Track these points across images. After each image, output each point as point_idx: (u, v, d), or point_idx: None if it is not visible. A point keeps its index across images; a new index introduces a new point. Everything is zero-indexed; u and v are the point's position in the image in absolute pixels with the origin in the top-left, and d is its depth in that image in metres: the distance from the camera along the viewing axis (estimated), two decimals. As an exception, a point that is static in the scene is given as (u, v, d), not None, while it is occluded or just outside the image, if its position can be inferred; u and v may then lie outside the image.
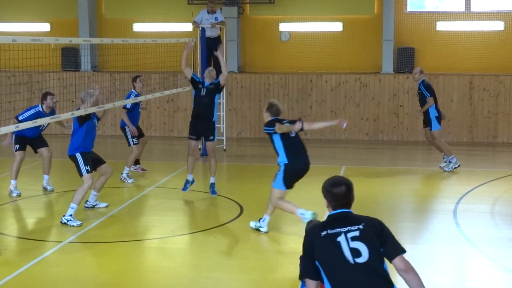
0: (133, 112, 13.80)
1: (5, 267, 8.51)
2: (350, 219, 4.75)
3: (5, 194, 12.66)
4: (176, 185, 13.29)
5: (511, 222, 10.60)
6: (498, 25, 19.38)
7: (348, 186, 4.85)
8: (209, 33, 16.74)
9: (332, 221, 4.78)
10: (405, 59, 19.37)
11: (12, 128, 9.42)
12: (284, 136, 9.46)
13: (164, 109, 20.24)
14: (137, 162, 14.45)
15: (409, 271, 4.65)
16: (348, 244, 4.59)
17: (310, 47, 20.18)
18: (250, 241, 9.67)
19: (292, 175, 9.59)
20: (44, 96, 12.21)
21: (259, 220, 10.03)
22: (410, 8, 19.95)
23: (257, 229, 9.97)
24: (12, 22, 21.22)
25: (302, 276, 4.57)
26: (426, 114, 14.71)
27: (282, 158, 9.56)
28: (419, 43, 19.61)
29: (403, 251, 4.72)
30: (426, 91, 14.50)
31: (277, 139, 9.52)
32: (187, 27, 19.31)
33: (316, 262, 4.61)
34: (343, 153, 17.55)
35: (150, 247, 9.54)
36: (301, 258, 4.73)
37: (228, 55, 19.54)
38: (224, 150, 17.43)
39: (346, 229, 4.67)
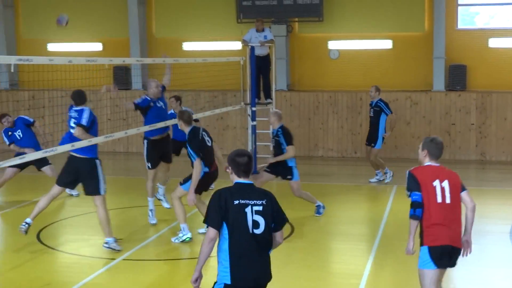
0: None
1: (60, 284, 8.63)
2: (255, 193, 5.71)
3: (61, 210, 12.88)
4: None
5: None
6: (552, 41, 19.03)
7: (250, 157, 5.78)
8: (258, 52, 16.80)
9: (240, 190, 5.68)
10: (456, 76, 19.12)
11: (68, 147, 9.54)
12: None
13: (214, 127, 20.35)
14: None
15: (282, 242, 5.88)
16: (252, 216, 5.58)
17: (359, 64, 20.10)
18: (299, 261, 9.61)
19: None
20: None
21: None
22: (461, 25, 19.72)
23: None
24: (65, 42, 21.68)
25: (207, 223, 5.63)
26: (375, 131, 15.14)
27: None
28: (471, 60, 19.35)
29: (284, 225, 5.82)
30: (387, 108, 15.03)
31: None
32: (237, 45, 19.42)
33: (224, 222, 5.55)
34: (396, 171, 17.34)
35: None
36: (209, 210, 5.62)
37: (277, 73, 19.58)
38: (272, 168, 17.39)
39: (253, 202, 5.62)
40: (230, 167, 5.75)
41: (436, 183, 6.44)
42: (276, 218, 5.69)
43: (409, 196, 6.50)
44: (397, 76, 19.80)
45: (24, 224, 9.95)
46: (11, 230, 11.49)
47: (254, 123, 16.43)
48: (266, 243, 5.65)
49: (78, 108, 9.88)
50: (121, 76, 20.78)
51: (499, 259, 9.72)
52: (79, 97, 9.89)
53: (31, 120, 13.68)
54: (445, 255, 6.48)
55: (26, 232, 9.97)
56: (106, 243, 9.94)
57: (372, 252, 9.90)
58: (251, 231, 5.55)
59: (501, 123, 18.45)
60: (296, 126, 19.70)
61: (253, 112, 16.47)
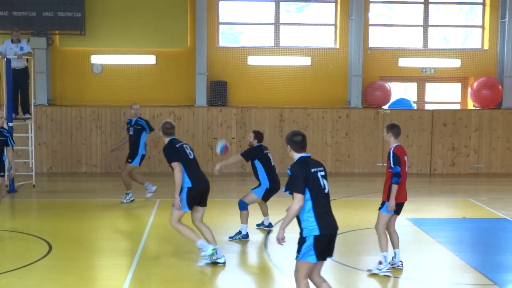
0: None
1: None
2: (316, 162, 7.28)
3: None
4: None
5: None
6: (305, 60, 20.28)
7: (304, 136, 7.29)
8: (14, 64, 16.05)
9: (309, 162, 7.19)
10: (218, 92, 19.69)
11: None
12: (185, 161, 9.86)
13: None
14: None
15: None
16: (322, 179, 7.13)
17: (123, 79, 19.95)
18: (58, 281, 9.24)
19: (195, 197, 9.85)
20: None
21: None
22: (222, 42, 20.38)
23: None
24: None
25: (292, 190, 6.99)
26: (135, 149, 14.72)
27: (185, 181, 9.75)
28: (231, 76, 20.05)
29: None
30: (147, 126, 14.75)
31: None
32: (-8, 58, 18.39)
33: (306, 188, 6.99)
34: (162, 185, 17.38)
35: None
36: (292, 179, 7.03)
37: (37, 87, 18.84)
38: (34, 186, 16.65)
39: (319, 169, 7.18)
40: (289, 146, 7.25)
41: (405, 158, 9.42)
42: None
43: (393, 168, 9.20)
44: (160, 91, 19.94)
45: None
46: None
47: (9, 125, 15.62)
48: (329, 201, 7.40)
49: None
50: None
51: (255, 266, 10.05)
52: None
53: None
54: (401, 207, 9.58)
55: None
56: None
57: (132, 267, 9.79)
58: (326, 191, 7.20)
59: (260, 137, 19.23)
60: (57, 142, 19.10)
61: (10, 128, 15.68)
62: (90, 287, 9.12)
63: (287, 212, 7.00)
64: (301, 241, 7.08)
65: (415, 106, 20.61)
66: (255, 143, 11.60)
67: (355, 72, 20.11)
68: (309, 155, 7.24)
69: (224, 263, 9.89)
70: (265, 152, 11.59)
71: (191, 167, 9.82)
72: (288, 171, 7.08)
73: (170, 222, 9.89)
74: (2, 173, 11.76)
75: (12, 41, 16.28)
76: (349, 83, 20.36)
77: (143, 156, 14.76)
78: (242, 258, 10.73)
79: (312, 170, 7.05)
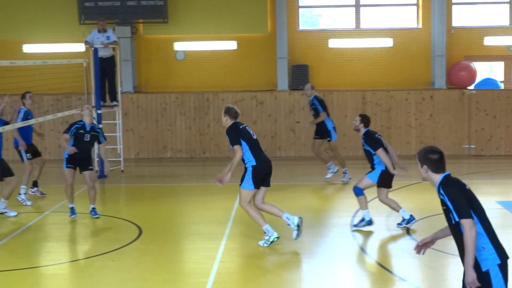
0: (24, 128, 13.27)
1: None
2: (458, 179, 5.86)
3: None
4: (72, 209, 12.97)
5: (406, 233, 10.89)
6: (387, 42, 20.04)
7: (441, 153, 5.86)
8: (101, 53, 16.51)
9: (456, 180, 5.79)
10: (299, 76, 19.71)
11: None
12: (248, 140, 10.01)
13: (58, 132, 19.71)
14: (35, 184, 14.02)
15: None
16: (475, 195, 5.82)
17: (205, 65, 20.23)
18: (148, 263, 9.51)
19: (259, 175, 9.98)
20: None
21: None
22: (302, 26, 20.36)
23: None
24: None
25: (460, 218, 5.61)
26: (323, 126, 15.31)
27: (250, 160, 9.98)
28: (313, 60, 20.01)
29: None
30: (319, 105, 15.24)
31: (243, 143, 9.96)
32: (80, 47, 18.95)
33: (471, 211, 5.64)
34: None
35: (46, 274, 9.23)
36: (459, 204, 5.60)
37: (123, 75, 19.31)
38: (122, 171, 17.14)
39: (466, 184, 5.82)
40: (425, 166, 5.80)
41: None
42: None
43: None
44: (242, 76, 20.11)
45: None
46: None
47: (100, 126, 16.12)
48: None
49: None
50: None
51: (341, 250, 10.08)
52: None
53: None
54: None
55: None
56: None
57: (220, 250, 9.97)
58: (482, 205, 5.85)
59: (342, 120, 19.14)
60: (144, 128, 19.53)
61: (99, 115, 16.17)
62: (180, 270, 9.35)
63: (466, 247, 5.58)
64: (485, 279, 5.57)
65: (502, 85, 20.11)
66: (362, 127, 11.20)
67: (438, 52, 19.75)
68: (449, 172, 5.85)
69: (298, 228, 10.02)
70: (377, 136, 11.10)
71: (255, 147, 10.06)
72: (443, 197, 5.70)
73: (240, 203, 10.13)
74: (91, 167, 12.19)
75: (99, 31, 16.75)
76: (432, 63, 20.01)
77: (334, 129, 15.40)
78: (326, 243, 10.75)
79: (467, 187, 5.78)
